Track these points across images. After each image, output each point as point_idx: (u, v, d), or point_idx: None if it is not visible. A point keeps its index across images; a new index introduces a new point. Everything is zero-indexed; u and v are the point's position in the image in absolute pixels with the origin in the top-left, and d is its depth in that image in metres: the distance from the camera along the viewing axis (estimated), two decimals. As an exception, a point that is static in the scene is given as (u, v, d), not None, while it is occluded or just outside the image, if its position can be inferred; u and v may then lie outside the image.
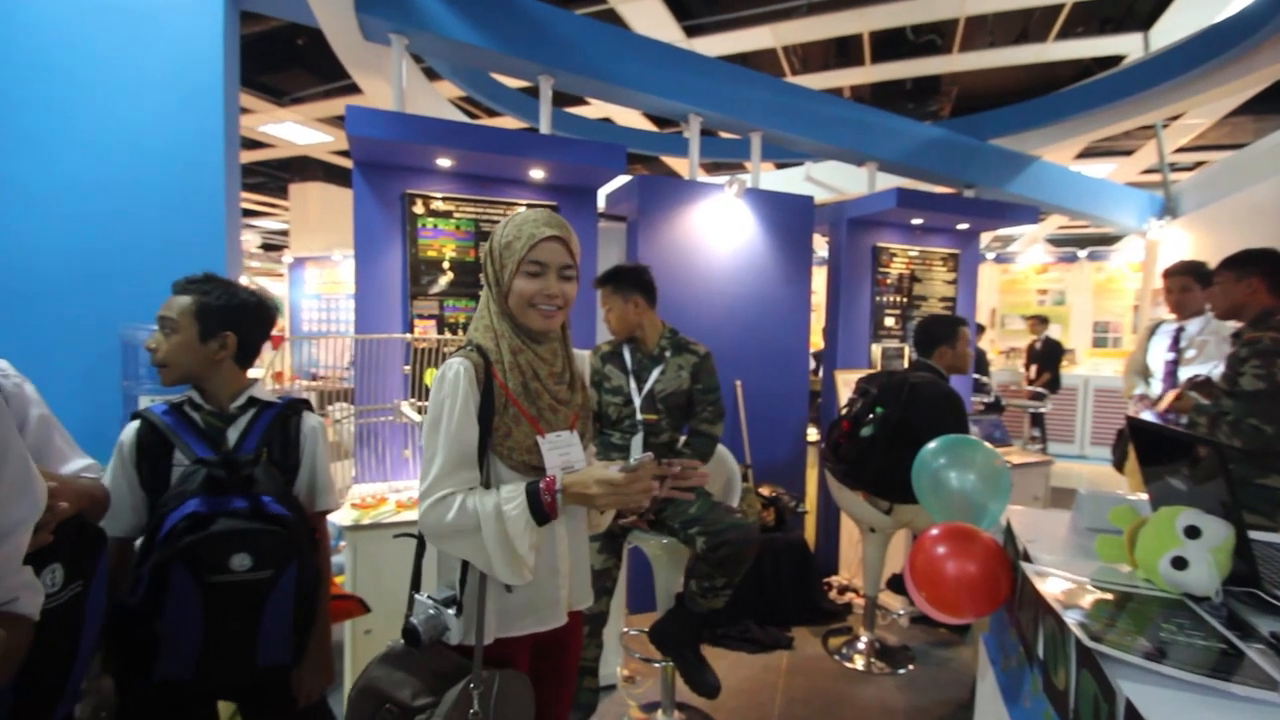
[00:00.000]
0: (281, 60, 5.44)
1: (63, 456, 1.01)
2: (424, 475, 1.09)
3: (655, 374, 2.13)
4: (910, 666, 2.78)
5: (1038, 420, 6.56)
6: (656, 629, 2.06)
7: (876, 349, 3.90)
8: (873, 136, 3.99)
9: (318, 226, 8.53)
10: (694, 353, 2.17)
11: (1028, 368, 6.98)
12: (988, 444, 1.46)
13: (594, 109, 6.18)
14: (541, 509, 1.05)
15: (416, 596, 1.13)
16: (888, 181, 4.00)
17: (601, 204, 3.55)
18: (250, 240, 13.26)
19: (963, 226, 4.00)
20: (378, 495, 2.44)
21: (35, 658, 0.79)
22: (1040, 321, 7.02)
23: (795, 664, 2.79)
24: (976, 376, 4.69)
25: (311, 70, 5.62)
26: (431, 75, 5.08)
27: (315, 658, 1.33)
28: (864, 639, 2.86)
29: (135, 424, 1.23)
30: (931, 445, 1.44)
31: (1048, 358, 6.80)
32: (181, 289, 1.30)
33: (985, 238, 7.30)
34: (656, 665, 2.20)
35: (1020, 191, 4.75)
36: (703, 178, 3.55)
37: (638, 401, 2.13)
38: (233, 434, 1.28)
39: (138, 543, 1.19)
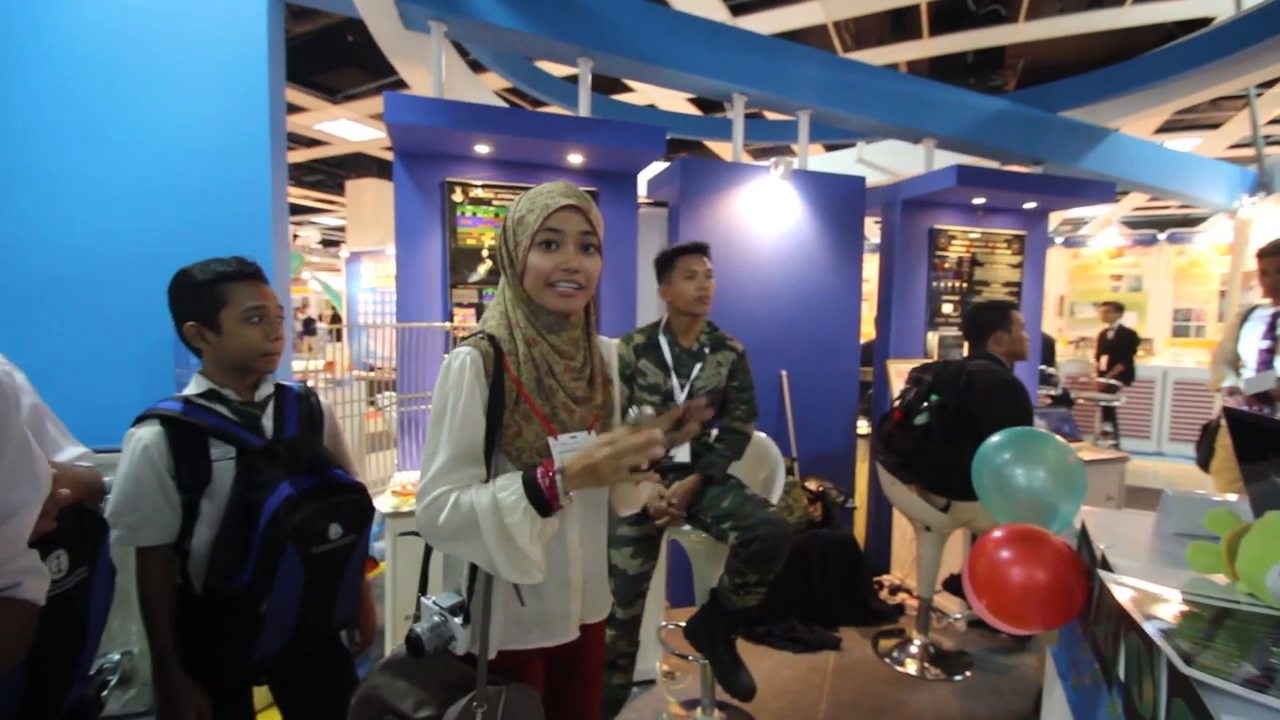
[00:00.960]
0: (334, 58, 5.57)
1: (56, 445, 0.99)
2: (423, 472, 1.00)
3: (695, 371, 2.02)
4: (967, 673, 2.62)
5: (1110, 414, 6.15)
6: (691, 625, 1.99)
7: (933, 337, 3.71)
8: (930, 111, 3.77)
9: (373, 221, 8.75)
10: (732, 349, 2.07)
11: (1098, 358, 6.55)
12: (1059, 437, 1.32)
13: (639, 95, 6.09)
14: (541, 496, 0.94)
15: (423, 601, 1.06)
16: (946, 160, 3.78)
17: (644, 191, 3.48)
18: (310, 236, 13.76)
19: (1030, 206, 3.74)
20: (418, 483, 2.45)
21: (43, 644, 0.78)
22: (1114, 309, 6.56)
23: (843, 666, 2.67)
24: (1042, 367, 4.41)
25: (363, 67, 5.74)
26: (477, 68, 5.10)
27: (367, 608, 1.45)
28: (917, 642, 2.72)
29: (155, 426, 1.15)
30: (994, 439, 1.31)
31: (1121, 347, 6.36)
32: (262, 275, 1.26)
33: (1054, 220, 6.87)
34: (695, 663, 2.13)
35: (1095, 167, 4.42)
36: (747, 162, 3.43)
37: (680, 400, 1.98)
38: (266, 421, 1.26)
39: (193, 541, 1.17)
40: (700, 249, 2.00)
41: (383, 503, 2.32)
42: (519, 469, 1.02)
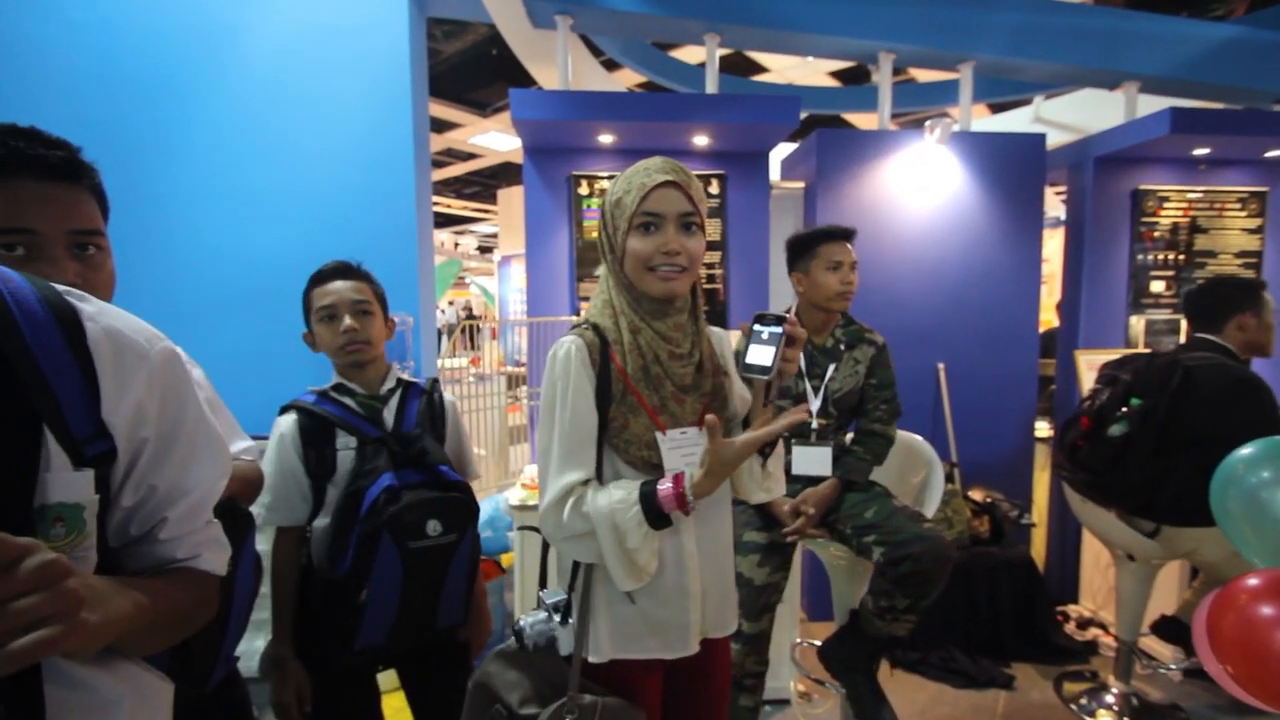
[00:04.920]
0: (482, 74, 5.91)
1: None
2: (540, 470, 0.98)
3: (830, 372, 1.78)
4: (1187, 736, 2.12)
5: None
6: (827, 648, 1.77)
7: (1137, 322, 3.07)
8: (1133, 47, 3.12)
9: (519, 226, 9.22)
10: (871, 343, 1.81)
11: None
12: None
13: (775, 75, 5.80)
14: (660, 514, 0.92)
15: (540, 594, 1.05)
16: (1152, 106, 3.12)
17: (776, 175, 3.24)
18: (468, 244, 14.95)
19: (1273, 154, 2.98)
20: (546, 476, 2.46)
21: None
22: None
23: (1015, 708, 2.28)
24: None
25: (507, 80, 6.03)
26: (611, 67, 5.13)
27: (479, 614, 1.41)
28: (1115, 690, 2.25)
29: (292, 415, 1.25)
30: (1245, 451, 0.96)
31: None
32: (346, 273, 1.32)
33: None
34: (832, 689, 1.91)
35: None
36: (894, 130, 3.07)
37: (815, 406, 1.76)
38: (387, 414, 1.30)
39: (314, 525, 1.23)
40: (845, 234, 1.76)
41: (512, 495, 2.35)
42: (628, 463, 0.99)
